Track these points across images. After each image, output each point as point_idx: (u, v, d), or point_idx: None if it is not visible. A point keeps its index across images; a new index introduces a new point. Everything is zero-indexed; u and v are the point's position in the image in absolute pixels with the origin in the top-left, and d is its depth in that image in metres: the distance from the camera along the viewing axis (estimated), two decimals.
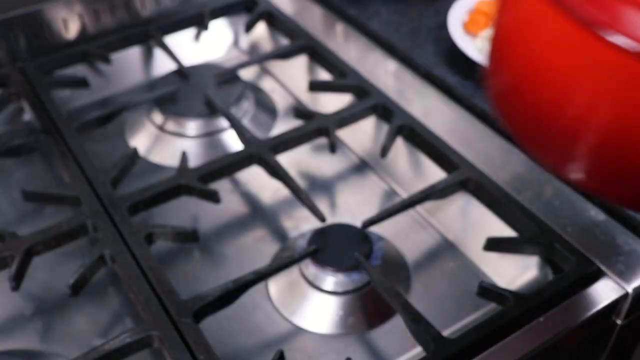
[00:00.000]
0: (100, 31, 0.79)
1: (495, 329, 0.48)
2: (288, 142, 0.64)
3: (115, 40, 0.78)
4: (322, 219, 0.58)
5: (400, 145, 0.65)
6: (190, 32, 0.83)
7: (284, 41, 0.81)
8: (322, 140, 0.66)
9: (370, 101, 0.67)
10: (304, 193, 0.59)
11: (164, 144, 0.70)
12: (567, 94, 0.35)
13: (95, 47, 0.77)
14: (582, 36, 0.32)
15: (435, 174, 0.61)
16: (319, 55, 0.75)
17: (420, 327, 0.48)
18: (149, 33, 0.79)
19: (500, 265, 0.59)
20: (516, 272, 0.58)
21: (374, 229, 0.58)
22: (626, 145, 0.34)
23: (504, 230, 0.58)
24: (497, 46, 0.40)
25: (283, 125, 0.73)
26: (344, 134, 0.70)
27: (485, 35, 0.73)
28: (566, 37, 0.34)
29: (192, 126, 0.71)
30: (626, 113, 0.34)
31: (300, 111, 0.69)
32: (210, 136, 0.71)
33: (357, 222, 0.58)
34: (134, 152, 0.64)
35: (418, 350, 0.50)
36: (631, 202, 0.39)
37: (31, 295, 0.57)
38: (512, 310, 0.49)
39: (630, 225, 0.57)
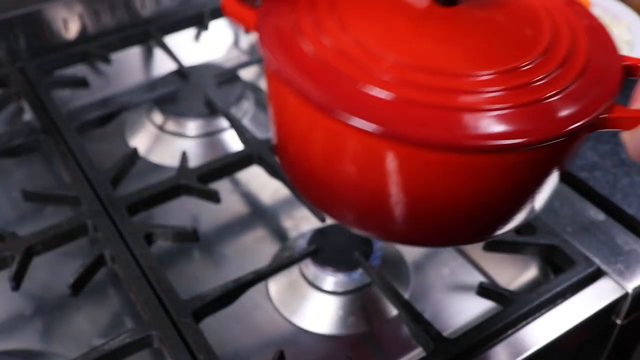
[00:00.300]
0: (100, 31, 0.79)
1: (496, 330, 0.48)
2: None
3: (115, 40, 0.78)
4: (322, 219, 0.58)
5: None
6: (190, 32, 0.83)
7: None
8: None
9: None
10: None
11: (164, 144, 0.70)
12: (323, 168, 0.41)
13: (95, 47, 0.77)
14: (325, 119, 0.36)
15: None
16: None
17: (420, 327, 0.48)
18: (149, 33, 0.79)
19: (500, 265, 0.59)
20: (516, 272, 0.58)
21: None
22: (385, 205, 0.40)
23: None
24: (270, 118, 0.45)
25: None
26: None
27: None
28: (312, 121, 0.38)
29: (192, 126, 0.71)
30: (376, 183, 0.39)
31: None
32: (210, 136, 0.70)
33: None
34: (134, 152, 0.64)
35: (418, 350, 0.50)
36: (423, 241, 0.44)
37: (31, 295, 0.57)
38: (513, 310, 0.49)
39: (630, 225, 0.57)
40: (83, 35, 0.78)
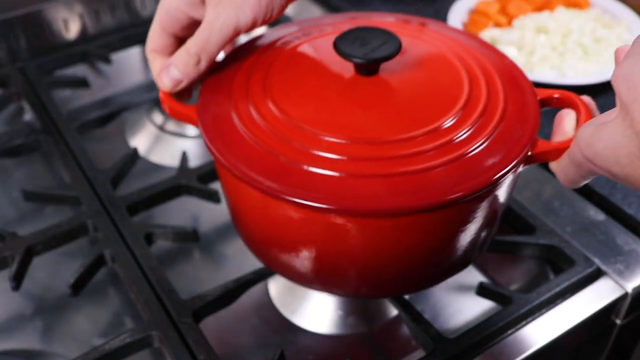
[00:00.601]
0: (101, 31, 0.79)
1: (495, 329, 0.48)
2: None
3: (116, 40, 0.78)
4: None
5: None
6: None
7: None
8: None
9: None
10: None
11: (164, 144, 0.70)
12: (274, 242, 0.45)
13: (96, 47, 0.77)
14: (275, 203, 0.40)
15: None
16: None
17: (420, 327, 0.48)
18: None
19: (500, 265, 0.59)
20: (516, 272, 0.58)
21: None
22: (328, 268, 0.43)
23: (505, 231, 0.58)
24: (225, 197, 0.48)
25: None
26: None
27: (486, 36, 0.73)
28: (264, 206, 0.41)
29: (193, 126, 0.71)
30: (331, 252, 0.42)
31: None
32: None
33: None
34: (134, 152, 0.64)
35: (418, 350, 0.50)
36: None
37: (31, 295, 0.57)
38: (513, 310, 0.49)
39: (630, 226, 0.57)
40: (83, 35, 0.78)
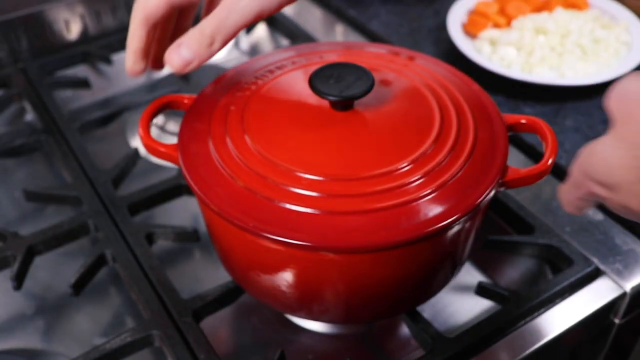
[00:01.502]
0: (102, 32, 0.79)
1: (494, 329, 0.49)
2: None
3: (116, 41, 0.78)
4: None
5: None
6: None
7: (284, 42, 0.81)
8: None
9: None
10: None
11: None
12: (253, 275, 0.46)
13: (97, 47, 0.77)
14: (250, 237, 0.41)
15: None
16: None
17: (420, 327, 0.48)
18: None
19: (499, 265, 0.59)
20: (515, 271, 0.58)
21: None
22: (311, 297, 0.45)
23: (504, 231, 0.58)
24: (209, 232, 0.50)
25: None
26: None
27: (485, 36, 0.73)
28: (240, 239, 0.43)
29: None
30: (312, 285, 0.43)
31: None
32: None
33: None
34: (135, 152, 0.64)
35: (418, 349, 0.51)
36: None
37: (32, 295, 0.57)
38: (512, 309, 0.49)
39: (629, 225, 0.57)
40: (84, 35, 0.79)
